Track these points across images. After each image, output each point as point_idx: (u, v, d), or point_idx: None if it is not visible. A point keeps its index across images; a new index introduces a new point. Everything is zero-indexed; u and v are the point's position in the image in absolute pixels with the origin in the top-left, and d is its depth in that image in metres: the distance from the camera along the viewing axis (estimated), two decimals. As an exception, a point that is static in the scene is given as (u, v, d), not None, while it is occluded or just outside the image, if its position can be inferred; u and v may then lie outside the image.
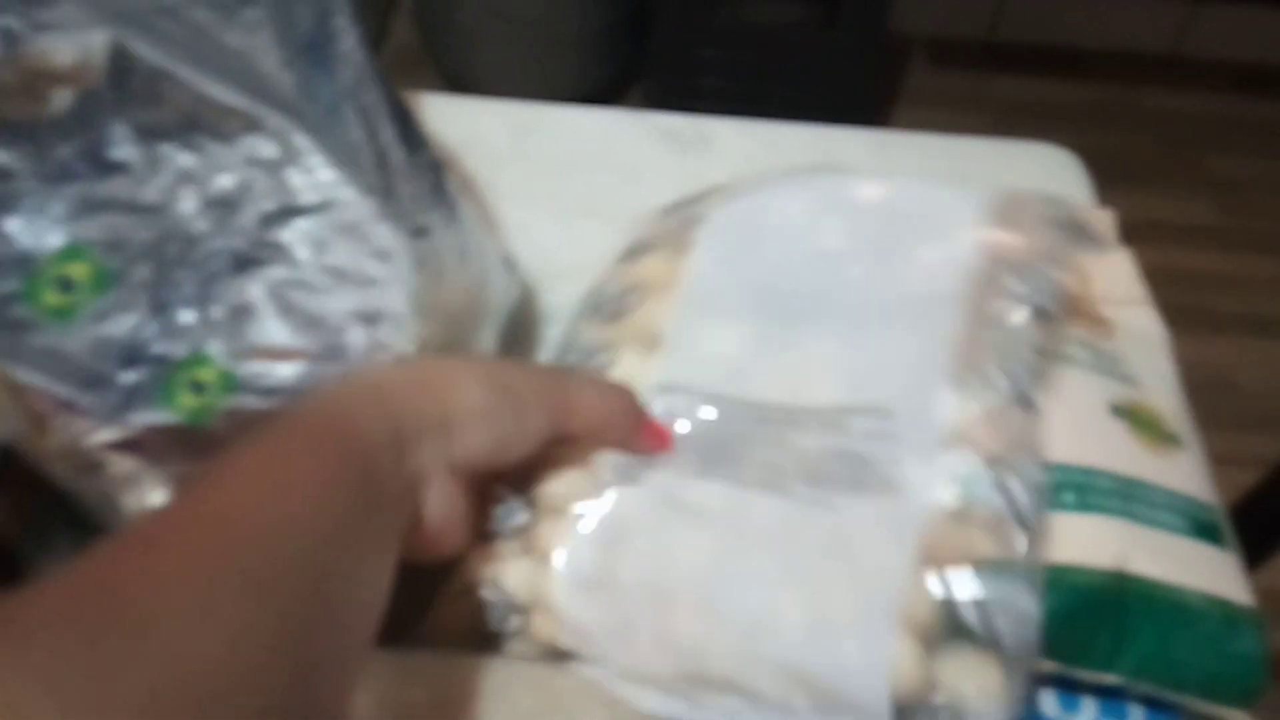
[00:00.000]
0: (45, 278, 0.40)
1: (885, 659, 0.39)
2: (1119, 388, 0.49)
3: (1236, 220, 2.06)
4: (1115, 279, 0.56)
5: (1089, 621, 0.42)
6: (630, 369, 0.49)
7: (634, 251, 0.56)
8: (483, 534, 0.44)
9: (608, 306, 0.53)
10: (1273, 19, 2.25)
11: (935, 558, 0.41)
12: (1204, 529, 0.45)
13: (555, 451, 0.45)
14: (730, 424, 0.47)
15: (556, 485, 0.45)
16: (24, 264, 0.40)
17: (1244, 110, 2.26)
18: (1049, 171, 0.75)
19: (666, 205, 0.59)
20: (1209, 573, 0.44)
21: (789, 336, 0.50)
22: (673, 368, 0.49)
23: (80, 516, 0.47)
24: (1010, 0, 2.25)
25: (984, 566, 0.41)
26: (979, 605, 0.40)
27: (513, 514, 0.45)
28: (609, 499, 0.45)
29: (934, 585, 0.41)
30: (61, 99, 0.41)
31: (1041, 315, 0.48)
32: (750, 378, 0.48)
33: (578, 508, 0.44)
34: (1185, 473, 0.47)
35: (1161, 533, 0.44)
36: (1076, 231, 0.53)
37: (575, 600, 0.43)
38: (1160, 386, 0.50)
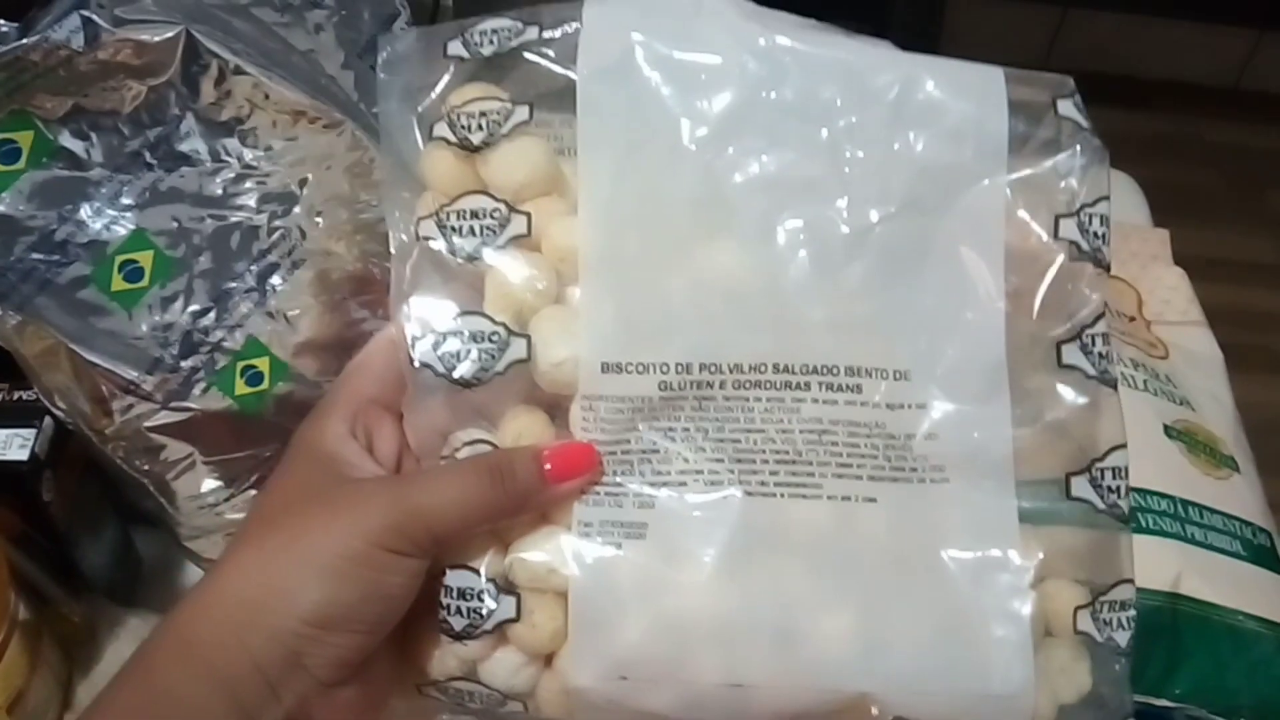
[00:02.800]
0: (113, 263, 0.41)
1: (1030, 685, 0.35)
2: (1173, 409, 0.48)
3: (1299, 257, 2.03)
4: (1169, 300, 0.55)
5: (1143, 643, 0.41)
6: (550, 345, 0.35)
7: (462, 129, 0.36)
8: (443, 625, 0.35)
9: (460, 245, 0.36)
10: (1338, 54, 2.22)
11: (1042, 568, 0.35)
12: (1259, 553, 0.44)
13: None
14: (716, 403, 0.36)
15: (530, 556, 0.35)
16: (94, 250, 0.41)
17: (1308, 146, 2.23)
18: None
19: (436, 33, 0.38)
20: (1263, 597, 0.43)
21: (758, 260, 0.36)
22: (607, 335, 0.35)
23: (128, 506, 0.47)
24: (1066, 29, 2.24)
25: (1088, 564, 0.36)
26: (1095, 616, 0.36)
27: (489, 608, 0.35)
28: (598, 557, 0.35)
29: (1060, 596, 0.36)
30: (135, 91, 0.42)
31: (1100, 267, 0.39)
32: (720, 327, 0.36)
33: (563, 576, 0.35)
34: (1241, 496, 0.46)
35: (1216, 555, 0.43)
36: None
37: (594, 683, 0.35)
38: (1216, 409, 0.50)
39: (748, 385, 0.36)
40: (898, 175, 0.36)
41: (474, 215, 0.35)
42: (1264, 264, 1.99)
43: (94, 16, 0.40)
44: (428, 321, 0.35)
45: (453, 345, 0.35)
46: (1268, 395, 1.74)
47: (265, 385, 0.43)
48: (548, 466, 0.34)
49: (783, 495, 0.35)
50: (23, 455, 0.42)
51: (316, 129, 0.44)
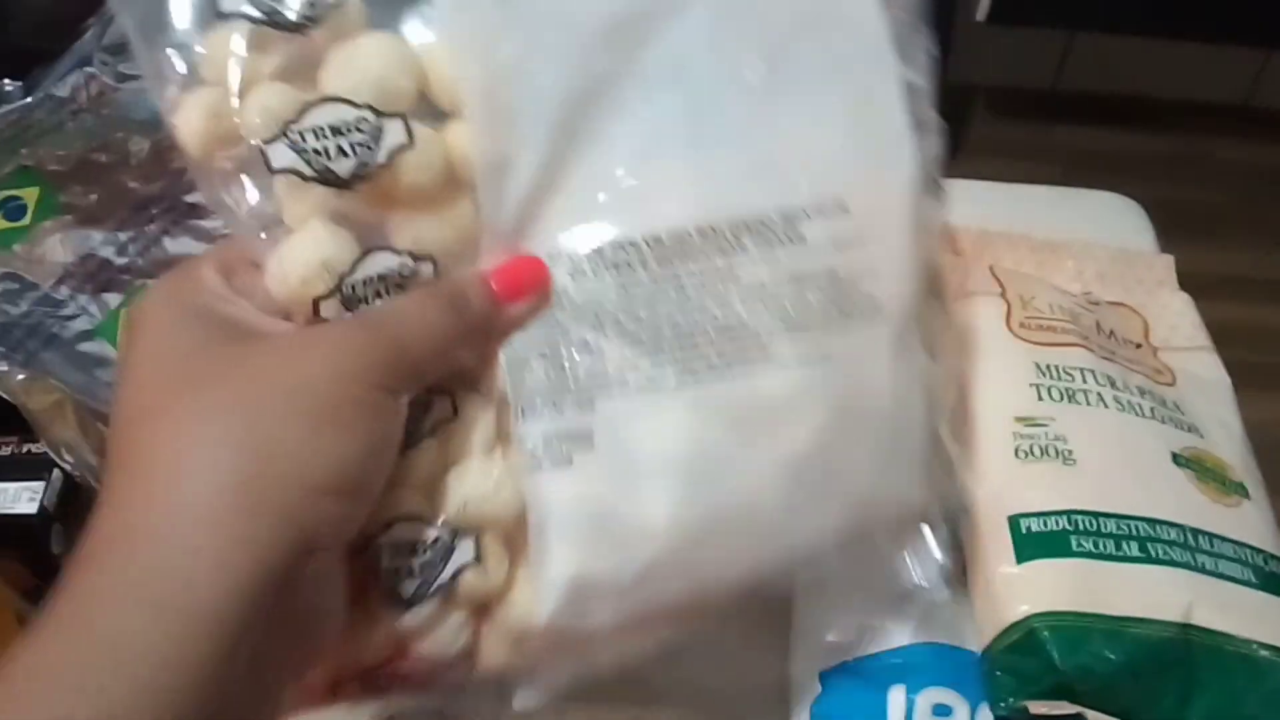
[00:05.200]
0: (118, 316, 0.42)
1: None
2: (1182, 436, 0.48)
3: (1316, 275, 2.02)
4: (1176, 326, 0.55)
5: (1156, 675, 0.41)
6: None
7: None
8: (389, 594, 0.32)
9: (336, 168, 0.30)
10: (1348, 69, 2.21)
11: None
12: (1271, 580, 0.44)
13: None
14: (642, 287, 0.33)
15: (480, 488, 0.32)
16: (99, 303, 0.42)
17: (1320, 162, 2.22)
18: (1112, 220, 0.74)
19: None
20: (1277, 625, 0.43)
21: (665, 111, 0.34)
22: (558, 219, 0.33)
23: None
24: (1075, 49, 2.24)
25: None
26: None
27: (446, 554, 0.32)
28: (549, 475, 0.32)
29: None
30: (140, 145, 0.42)
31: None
32: (633, 199, 0.33)
33: (518, 501, 0.33)
34: (1251, 523, 0.46)
35: (1227, 584, 0.43)
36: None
37: (553, 612, 0.33)
38: (1224, 435, 0.50)
39: (673, 259, 0.33)
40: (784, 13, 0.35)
41: (336, 131, 0.29)
42: (1277, 281, 1.98)
43: (97, 73, 0.41)
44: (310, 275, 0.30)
45: (360, 275, 0.30)
46: (1284, 414, 1.73)
47: None
48: (494, 287, 0.32)
49: (732, 373, 0.33)
50: (32, 508, 0.43)
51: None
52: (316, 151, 0.29)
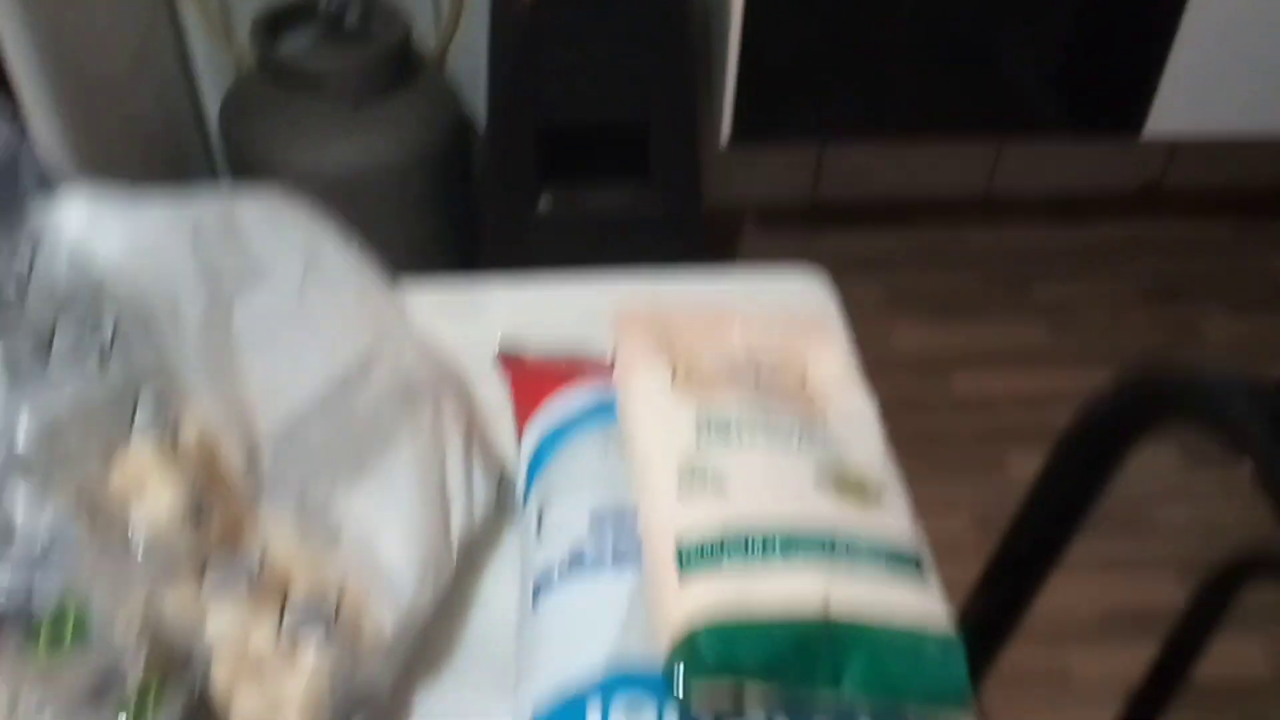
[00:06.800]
0: None
1: None
2: (828, 461, 0.55)
3: (1067, 339, 2.20)
4: (828, 371, 0.63)
5: (805, 660, 0.47)
6: None
7: None
8: None
9: None
10: (1072, 153, 2.45)
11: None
12: (900, 569, 0.50)
13: None
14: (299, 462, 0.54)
15: None
16: None
17: (1060, 237, 2.44)
18: (800, 294, 0.83)
19: None
20: (904, 605, 0.49)
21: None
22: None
23: None
24: (827, 161, 2.41)
25: None
26: None
27: None
28: None
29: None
30: None
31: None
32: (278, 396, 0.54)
33: None
34: (886, 523, 0.53)
35: (861, 577, 0.49)
36: None
37: None
38: (865, 454, 0.57)
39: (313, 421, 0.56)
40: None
41: None
42: (1037, 348, 2.15)
43: None
44: None
45: None
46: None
47: None
48: None
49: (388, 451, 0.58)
50: None
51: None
52: None
